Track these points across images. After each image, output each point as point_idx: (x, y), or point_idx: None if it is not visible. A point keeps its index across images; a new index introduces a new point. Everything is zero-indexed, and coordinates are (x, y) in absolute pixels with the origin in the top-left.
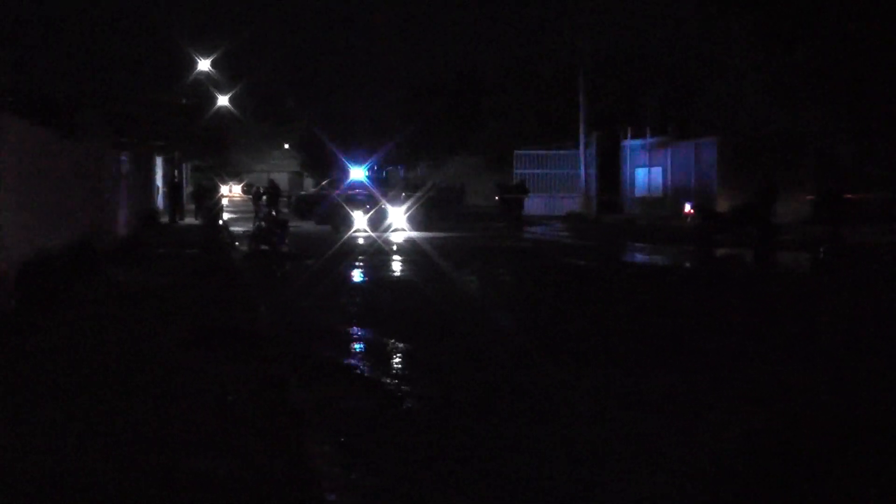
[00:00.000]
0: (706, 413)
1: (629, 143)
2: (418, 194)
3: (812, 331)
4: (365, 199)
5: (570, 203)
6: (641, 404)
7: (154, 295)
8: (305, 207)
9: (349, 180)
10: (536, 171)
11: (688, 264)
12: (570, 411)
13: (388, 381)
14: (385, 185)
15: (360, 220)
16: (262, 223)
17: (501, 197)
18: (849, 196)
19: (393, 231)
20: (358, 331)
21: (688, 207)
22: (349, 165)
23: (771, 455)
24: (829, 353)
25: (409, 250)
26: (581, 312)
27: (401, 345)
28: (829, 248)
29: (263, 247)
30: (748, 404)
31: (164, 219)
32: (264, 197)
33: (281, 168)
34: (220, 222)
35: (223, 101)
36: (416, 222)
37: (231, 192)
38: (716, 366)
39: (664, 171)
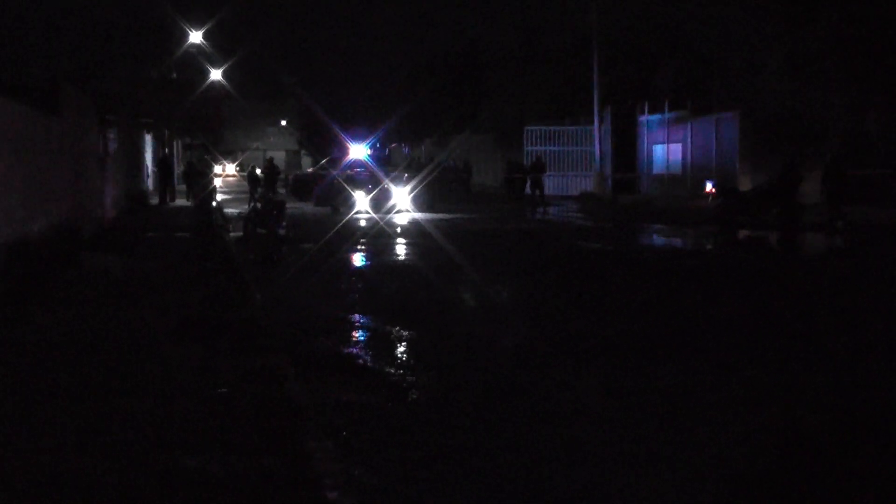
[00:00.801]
0: (736, 416)
1: (646, 118)
2: (423, 173)
3: (830, 326)
4: (366, 179)
5: (584, 182)
6: (654, 404)
7: (142, 282)
8: (303, 188)
9: (350, 159)
10: (547, 148)
11: (709, 248)
12: (576, 410)
13: (392, 372)
14: (388, 163)
15: (361, 201)
16: (258, 204)
17: (509, 177)
18: (852, 173)
19: (396, 212)
20: (359, 319)
21: (709, 186)
22: (350, 143)
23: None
24: (838, 354)
25: (414, 233)
26: (593, 300)
27: (405, 333)
28: (844, 229)
29: (259, 230)
30: (771, 404)
31: (154, 200)
32: (260, 177)
33: (277, 146)
34: (213, 204)
35: (216, 75)
36: (420, 203)
37: (225, 171)
38: (725, 362)
39: (683, 148)
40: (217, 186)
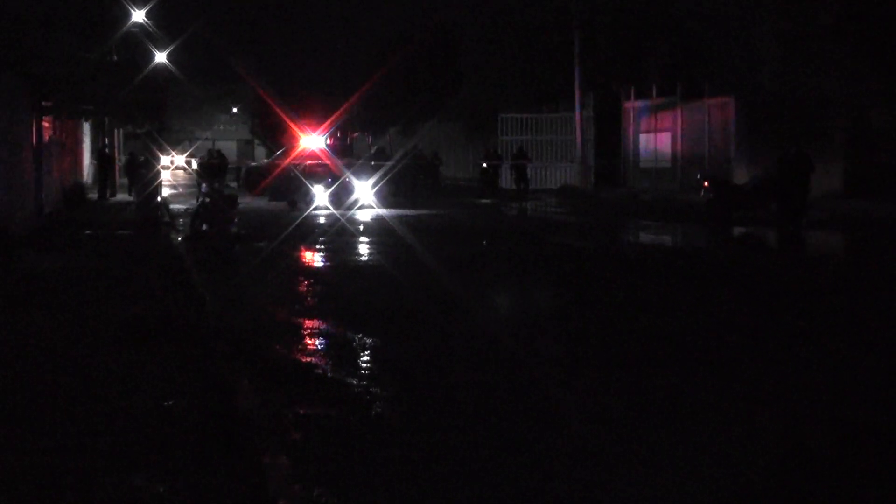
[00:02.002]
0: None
1: (632, 104)
2: (388, 165)
3: (835, 331)
4: (326, 172)
5: (564, 174)
6: (632, 417)
7: (80, 284)
8: (257, 181)
9: (308, 149)
10: (524, 137)
11: (700, 246)
12: (554, 423)
13: (354, 382)
14: (349, 154)
15: (320, 196)
16: (207, 199)
17: (485, 167)
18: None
19: (359, 208)
20: (319, 324)
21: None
22: (307, 132)
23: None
24: (840, 360)
25: (378, 230)
26: (571, 303)
27: (368, 340)
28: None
29: (208, 227)
30: (763, 414)
31: (93, 195)
32: (209, 168)
33: (229, 135)
34: (158, 199)
35: (161, 58)
36: (385, 198)
37: (173, 163)
38: (716, 370)
39: (673, 138)
40: (162, 180)
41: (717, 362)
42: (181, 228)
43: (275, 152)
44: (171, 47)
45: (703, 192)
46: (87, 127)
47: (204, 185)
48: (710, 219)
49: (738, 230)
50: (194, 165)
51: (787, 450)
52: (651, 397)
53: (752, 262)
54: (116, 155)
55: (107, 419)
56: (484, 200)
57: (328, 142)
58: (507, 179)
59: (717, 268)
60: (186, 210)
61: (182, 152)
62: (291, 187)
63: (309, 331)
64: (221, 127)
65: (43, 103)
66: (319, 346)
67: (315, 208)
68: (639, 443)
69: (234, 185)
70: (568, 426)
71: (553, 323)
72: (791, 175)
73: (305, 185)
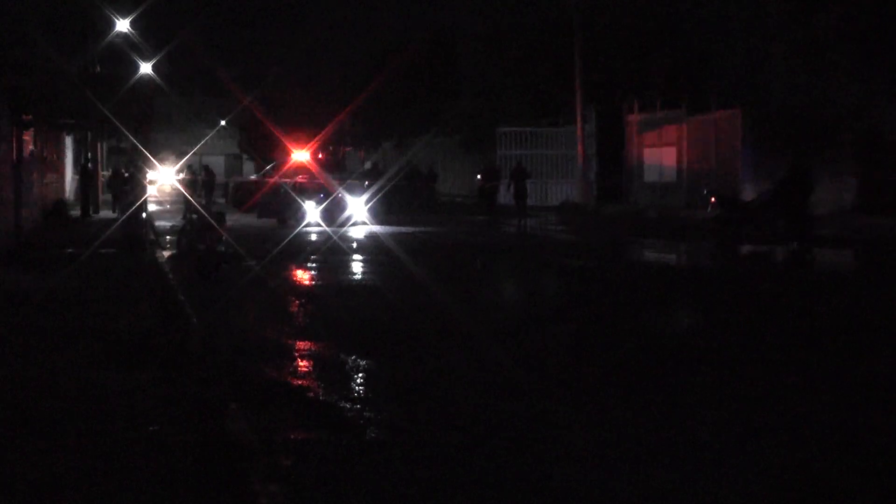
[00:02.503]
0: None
1: (635, 117)
2: (381, 181)
3: (844, 354)
4: (317, 188)
5: (565, 191)
6: (646, 445)
7: (61, 305)
8: (246, 197)
9: (298, 164)
10: (523, 152)
11: (707, 265)
12: (557, 451)
13: (347, 406)
14: (341, 170)
15: (311, 213)
16: (194, 216)
17: (483, 185)
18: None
19: (352, 225)
20: (310, 346)
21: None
22: (298, 147)
23: None
24: (852, 386)
25: (372, 249)
26: (572, 324)
27: (362, 363)
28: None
29: (195, 245)
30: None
31: (76, 212)
32: (190, 183)
33: (216, 150)
34: (143, 216)
35: (146, 69)
36: (379, 215)
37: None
38: (723, 397)
39: (678, 152)
40: (148, 196)
41: (737, 394)
42: (167, 247)
43: (264, 167)
44: (157, 58)
45: (709, 209)
46: (69, 141)
47: (192, 202)
48: (717, 236)
49: (746, 248)
50: (192, 178)
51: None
52: (664, 429)
53: (760, 282)
54: (100, 170)
55: (88, 446)
56: (482, 217)
57: (319, 157)
58: (505, 195)
59: (725, 288)
60: (172, 227)
61: (169, 166)
62: (281, 204)
63: (300, 352)
64: (209, 142)
65: (23, 117)
66: (311, 369)
67: (306, 225)
68: (648, 480)
69: (221, 201)
70: (573, 457)
71: (554, 345)
72: (795, 190)
73: (296, 201)
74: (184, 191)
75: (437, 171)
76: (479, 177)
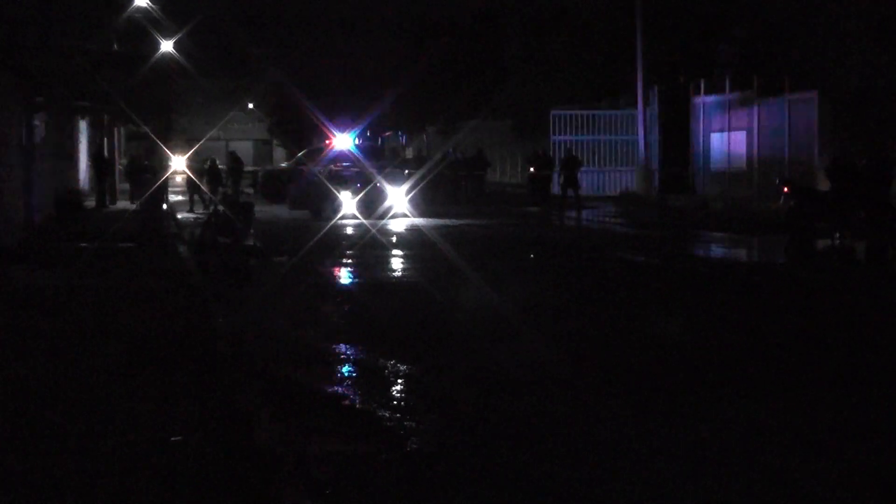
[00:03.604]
0: None
1: (702, 99)
2: (424, 169)
3: None
4: (354, 176)
5: (625, 179)
6: (702, 456)
7: (77, 304)
8: (276, 187)
9: (333, 151)
10: (579, 137)
11: (780, 262)
12: (611, 464)
13: (386, 415)
14: (381, 157)
15: (348, 203)
16: (220, 207)
17: (535, 174)
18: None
19: (392, 217)
20: (346, 349)
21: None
22: (333, 132)
23: None
24: None
25: (414, 243)
26: (630, 326)
27: (402, 368)
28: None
29: (221, 239)
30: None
31: (91, 202)
32: (223, 173)
33: (244, 135)
34: (164, 207)
35: (167, 47)
36: (422, 206)
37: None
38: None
39: (749, 137)
40: (169, 185)
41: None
42: (190, 240)
43: (296, 154)
44: (179, 36)
45: (782, 200)
46: (84, 126)
47: (218, 190)
48: (790, 230)
49: (822, 243)
50: (216, 166)
51: None
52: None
53: (839, 281)
54: (117, 157)
55: (110, 455)
56: (533, 209)
57: (357, 142)
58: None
59: (794, 286)
60: (196, 220)
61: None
62: (315, 194)
63: (335, 356)
64: (236, 126)
65: (35, 99)
66: (347, 374)
67: (342, 217)
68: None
69: (250, 191)
70: (633, 473)
71: (612, 350)
72: (876, 179)
73: (331, 191)
74: (193, 178)
75: (487, 157)
76: (529, 166)
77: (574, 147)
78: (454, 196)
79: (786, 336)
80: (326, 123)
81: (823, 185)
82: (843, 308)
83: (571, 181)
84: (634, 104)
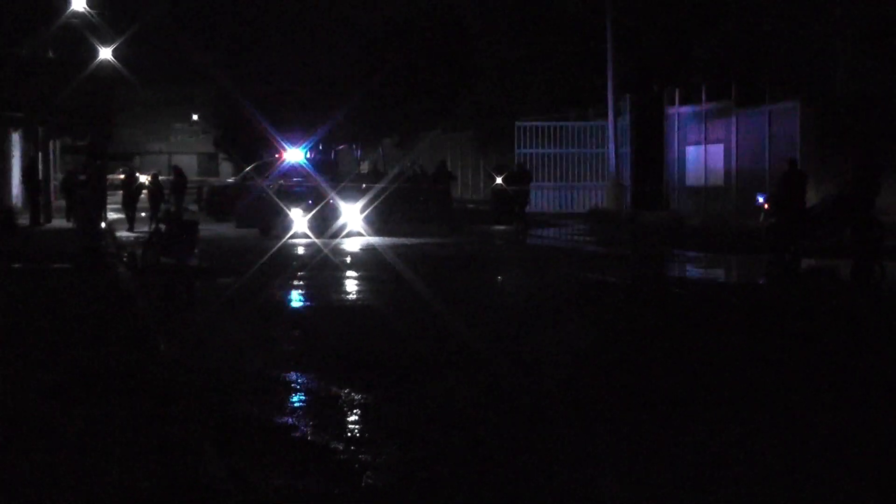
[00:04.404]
0: None
1: (677, 110)
2: (381, 184)
3: None
4: (306, 192)
5: (595, 195)
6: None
7: (9, 329)
8: (222, 203)
9: (284, 165)
10: (546, 150)
11: (760, 282)
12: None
13: (340, 447)
14: (334, 171)
15: (299, 221)
16: (161, 226)
17: (496, 188)
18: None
19: (346, 236)
20: (297, 377)
21: (761, 200)
22: (284, 145)
23: None
24: None
25: (369, 264)
26: (597, 351)
27: (357, 397)
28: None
29: (163, 259)
30: None
31: (24, 220)
32: (164, 189)
33: (188, 148)
34: (102, 225)
35: (106, 54)
36: (378, 224)
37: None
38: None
39: (727, 150)
40: (108, 201)
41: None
42: (130, 261)
43: (243, 168)
44: (119, 42)
45: (762, 217)
46: (16, 138)
47: (160, 207)
48: (771, 248)
49: (805, 263)
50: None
51: None
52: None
53: (815, 300)
54: (52, 172)
55: (44, 495)
56: (499, 227)
57: (309, 156)
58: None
59: (775, 308)
60: (136, 239)
61: (130, 170)
62: (264, 211)
63: (285, 385)
64: (179, 138)
65: None
66: (298, 404)
67: (293, 236)
68: None
69: (194, 207)
70: None
71: (577, 376)
72: (862, 195)
73: (281, 208)
74: (148, 198)
75: (452, 171)
76: (497, 178)
77: (528, 161)
78: (413, 214)
79: (765, 365)
80: (276, 136)
81: (807, 198)
82: (831, 331)
83: (519, 197)
84: (605, 115)
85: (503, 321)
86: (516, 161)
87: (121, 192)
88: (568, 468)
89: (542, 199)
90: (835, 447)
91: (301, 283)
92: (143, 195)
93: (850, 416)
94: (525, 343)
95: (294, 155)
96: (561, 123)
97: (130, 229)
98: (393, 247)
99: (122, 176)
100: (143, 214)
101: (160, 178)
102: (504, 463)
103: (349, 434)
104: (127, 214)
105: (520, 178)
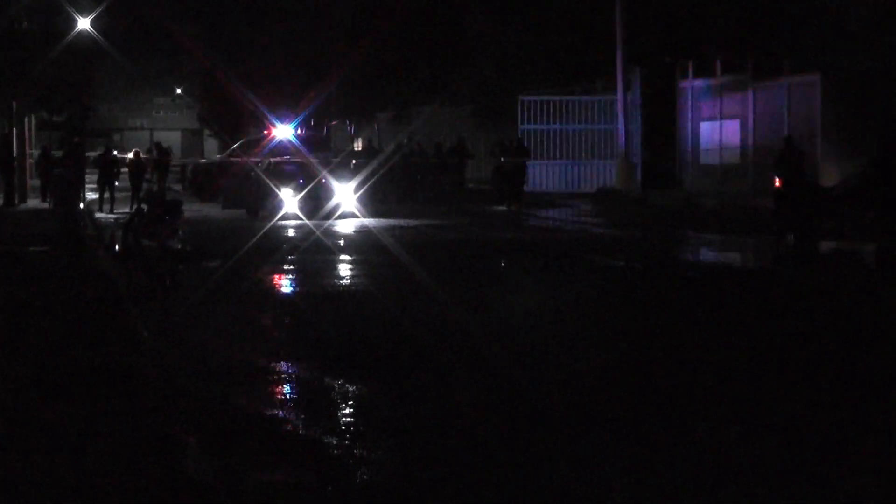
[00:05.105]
0: None
1: (691, 83)
2: (376, 162)
3: None
4: (296, 171)
5: (603, 173)
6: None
7: None
8: (208, 182)
9: (273, 142)
10: (551, 126)
11: (777, 267)
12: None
13: (333, 442)
14: (326, 148)
15: (289, 202)
16: (143, 206)
17: (498, 166)
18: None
19: (339, 217)
20: (288, 367)
21: (778, 180)
22: (273, 120)
23: None
24: None
25: (364, 247)
26: (604, 340)
27: (350, 388)
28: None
29: (145, 241)
30: None
31: None
32: (145, 167)
33: (171, 124)
34: (81, 206)
35: (84, 24)
36: (373, 204)
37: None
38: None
39: (743, 126)
40: (86, 181)
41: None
42: (110, 244)
43: (230, 145)
44: (98, 12)
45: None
46: None
47: (140, 188)
48: (791, 231)
49: (824, 246)
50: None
51: None
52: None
53: (835, 285)
54: (27, 149)
55: (25, 496)
56: (500, 207)
57: (299, 132)
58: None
59: (792, 293)
60: (117, 220)
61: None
62: (252, 191)
63: (275, 376)
64: (162, 114)
65: None
66: (289, 396)
67: (282, 218)
68: None
69: (177, 187)
70: None
71: (581, 367)
72: (887, 175)
73: (270, 188)
74: (130, 177)
75: (468, 145)
76: (502, 157)
77: (532, 138)
78: (411, 193)
79: (771, 351)
80: (265, 111)
81: (827, 180)
82: (842, 319)
83: (516, 175)
84: (613, 89)
85: (502, 308)
86: (518, 137)
87: (99, 170)
88: (568, 466)
89: (547, 177)
90: (849, 446)
91: (291, 267)
92: (123, 173)
93: (849, 416)
94: (524, 331)
95: (283, 131)
96: (567, 98)
97: (110, 210)
98: (389, 228)
99: (102, 153)
100: (123, 194)
101: (142, 155)
102: (500, 458)
103: (342, 428)
104: (106, 194)
105: (517, 153)
